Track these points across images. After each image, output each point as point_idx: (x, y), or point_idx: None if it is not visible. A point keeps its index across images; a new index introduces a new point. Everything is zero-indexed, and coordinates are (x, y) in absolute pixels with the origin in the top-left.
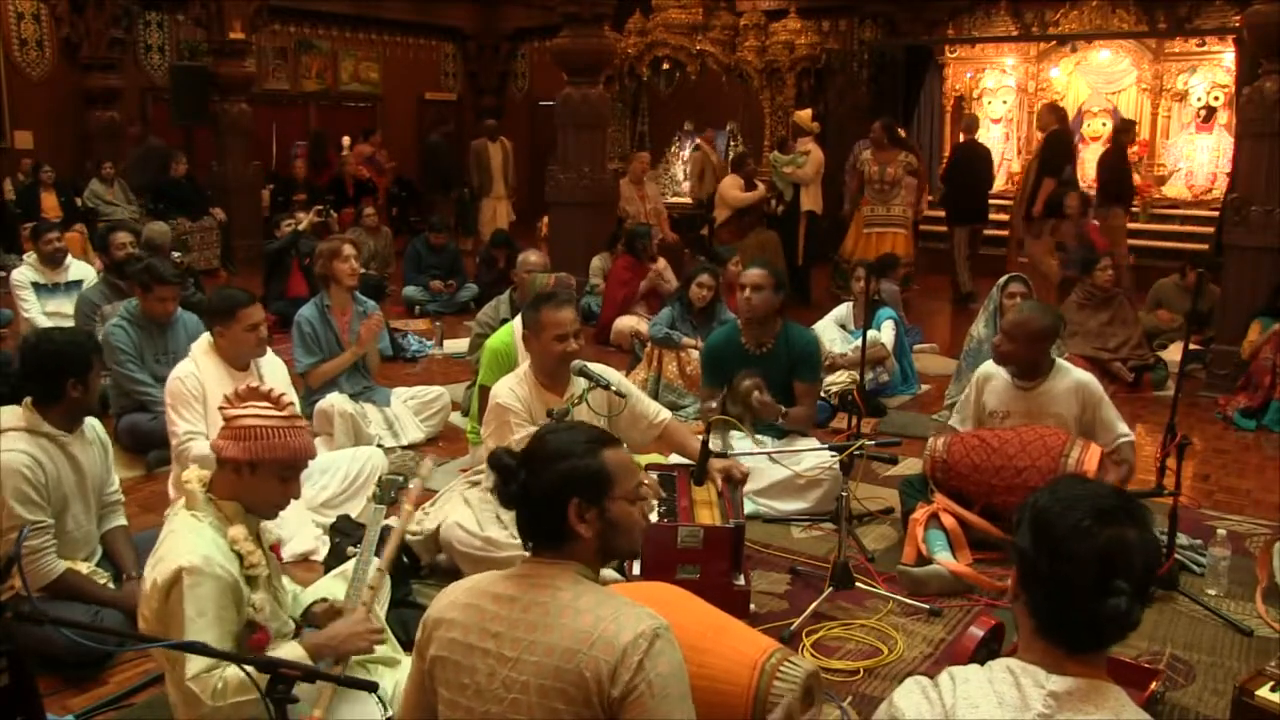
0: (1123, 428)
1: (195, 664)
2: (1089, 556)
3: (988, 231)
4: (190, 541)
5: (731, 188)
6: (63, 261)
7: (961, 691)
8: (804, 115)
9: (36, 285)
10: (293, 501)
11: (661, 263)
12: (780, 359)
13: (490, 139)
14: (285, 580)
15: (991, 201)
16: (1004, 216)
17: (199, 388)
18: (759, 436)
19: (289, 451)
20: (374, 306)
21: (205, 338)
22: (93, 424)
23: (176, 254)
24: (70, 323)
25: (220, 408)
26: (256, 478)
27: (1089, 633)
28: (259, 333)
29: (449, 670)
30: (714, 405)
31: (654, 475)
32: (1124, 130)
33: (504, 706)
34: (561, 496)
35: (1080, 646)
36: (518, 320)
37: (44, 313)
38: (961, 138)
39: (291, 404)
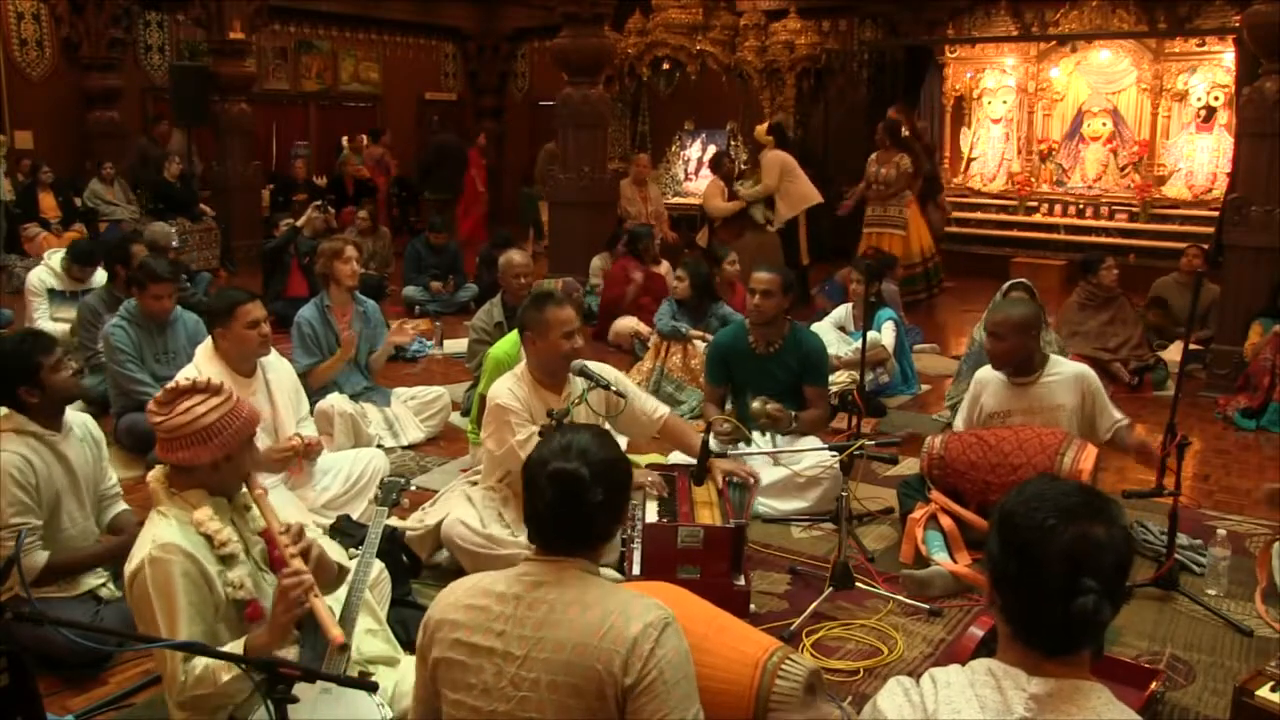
0: (1118, 414)
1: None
2: (1055, 556)
3: (988, 232)
4: (151, 534)
5: (714, 196)
6: (89, 267)
7: (943, 695)
8: (759, 129)
9: (54, 291)
10: (295, 501)
11: (664, 265)
12: (788, 360)
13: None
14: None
15: (991, 201)
16: (1003, 216)
17: None
18: (761, 436)
19: (249, 425)
20: (374, 307)
21: (208, 342)
22: (83, 420)
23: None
24: None
25: (154, 424)
26: (232, 464)
27: (1062, 634)
28: (260, 330)
29: (454, 671)
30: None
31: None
32: None
33: (512, 705)
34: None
35: (1056, 648)
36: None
37: (54, 318)
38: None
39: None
